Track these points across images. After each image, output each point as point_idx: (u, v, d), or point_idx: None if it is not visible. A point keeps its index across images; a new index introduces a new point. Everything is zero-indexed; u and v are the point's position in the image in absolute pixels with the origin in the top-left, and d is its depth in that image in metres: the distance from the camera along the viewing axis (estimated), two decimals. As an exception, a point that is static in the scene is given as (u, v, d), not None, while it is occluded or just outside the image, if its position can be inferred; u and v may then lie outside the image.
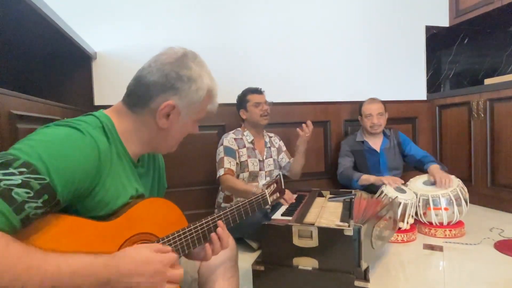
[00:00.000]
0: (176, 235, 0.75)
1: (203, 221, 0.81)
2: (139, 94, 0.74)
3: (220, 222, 0.83)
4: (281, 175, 1.21)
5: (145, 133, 0.77)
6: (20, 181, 0.53)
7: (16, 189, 0.52)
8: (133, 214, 0.70)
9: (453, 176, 1.96)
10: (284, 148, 2.16)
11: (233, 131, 1.99)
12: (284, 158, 2.11)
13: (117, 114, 0.75)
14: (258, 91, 1.99)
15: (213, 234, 0.81)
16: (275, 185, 1.11)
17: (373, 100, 2.29)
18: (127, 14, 2.10)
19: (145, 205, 0.73)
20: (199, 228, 0.79)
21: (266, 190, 1.04)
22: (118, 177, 0.71)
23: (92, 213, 0.66)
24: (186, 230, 0.76)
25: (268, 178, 1.95)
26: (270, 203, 1.05)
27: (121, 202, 0.71)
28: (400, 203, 1.77)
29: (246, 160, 1.91)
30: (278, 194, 1.12)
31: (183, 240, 0.76)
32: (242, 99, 1.99)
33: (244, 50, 2.34)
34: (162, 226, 0.74)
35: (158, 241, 0.72)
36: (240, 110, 2.00)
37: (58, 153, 0.58)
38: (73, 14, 1.96)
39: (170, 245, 0.73)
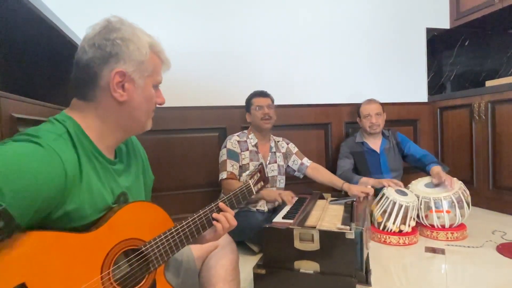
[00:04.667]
0: (163, 236, 0.75)
1: (189, 219, 0.81)
2: (84, 78, 0.70)
3: (221, 204, 0.90)
4: (263, 164, 1.22)
5: (111, 118, 0.73)
6: None
7: None
8: (116, 221, 0.68)
9: (455, 179, 1.95)
10: (294, 150, 2.08)
11: (238, 134, 1.96)
12: (296, 160, 2.05)
13: (78, 112, 0.71)
14: (262, 94, 1.97)
15: (219, 215, 0.88)
16: (258, 174, 1.11)
17: (370, 100, 2.31)
18: (129, 16, 2.10)
19: (127, 211, 0.71)
20: (185, 227, 0.80)
21: (249, 181, 1.05)
22: (91, 184, 0.67)
23: (72, 224, 0.63)
24: (173, 230, 0.77)
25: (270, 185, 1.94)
26: (254, 193, 1.06)
27: (100, 208, 0.68)
28: (401, 205, 1.76)
29: (248, 163, 1.89)
30: (262, 183, 1.12)
31: (171, 240, 0.76)
32: (247, 103, 1.99)
33: (244, 53, 2.34)
34: (147, 230, 0.73)
35: (145, 245, 0.72)
36: (246, 114, 2.00)
37: (15, 174, 0.53)
38: (75, 16, 1.97)
39: (158, 247, 0.73)
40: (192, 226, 0.81)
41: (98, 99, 0.71)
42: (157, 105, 0.81)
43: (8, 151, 0.56)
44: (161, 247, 0.74)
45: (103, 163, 0.72)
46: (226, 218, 0.89)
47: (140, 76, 0.73)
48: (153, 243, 0.73)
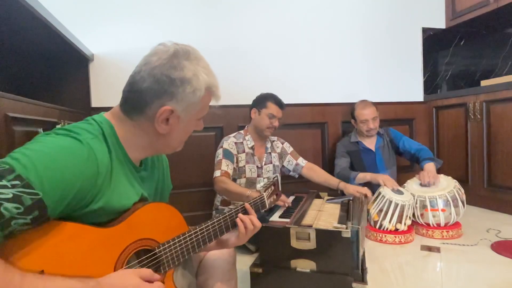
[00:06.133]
0: (176, 240, 0.75)
1: (203, 226, 0.82)
2: (134, 102, 0.71)
3: (246, 205, 0.92)
4: (278, 177, 1.22)
5: (146, 139, 0.74)
6: (11, 195, 0.50)
7: (6, 204, 0.50)
8: (135, 220, 0.69)
9: (450, 177, 1.97)
10: (289, 150, 2.07)
11: (234, 134, 1.95)
12: (291, 160, 2.03)
13: (117, 119, 0.73)
14: (280, 105, 1.91)
15: (243, 217, 0.88)
16: (272, 187, 1.10)
17: (365, 104, 2.29)
18: (125, 15, 2.10)
19: (146, 211, 0.72)
20: (199, 232, 0.80)
21: (264, 193, 1.04)
22: (120, 185, 0.69)
23: (94, 219, 0.64)
24: (187, 234, 0.77)
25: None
26: (267, 206, 1.05)
27: (124, 208, 0.70)
28: (397, 204, 1.77)
29: (244, 166, 1.88)
30: (275, 197, 1.12)
31: (183, 245, 0.76)
32: (261, 101, 1.92)
33: (241, 52, 2.34)
34: (163, 232, 0.74)
35: (158, 247, 0.72)
36: (253, 109, 1.93)
37: (56, 166, 0.56)
38: (70, 16, 1.96)
39: (170, 250, 0.74)
40: (205, 233, 0.81)
41: (140, 123, 0.72)
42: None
43: (52, 143, 0.59)
44: (173, 251, 0.74)
45: (130, 168, 0.74)
46: (251, 220, 0.89)
47: (186, 115, 0.74)
48: (166, 246, 0.73)
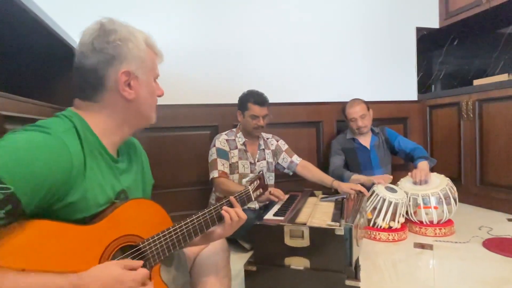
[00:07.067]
0: (161, 235, 0.75)
1: (188, 220, 0.82)
2: (91, 82, 0.72)
3: (231, 198, 0.95)
4: (263, 171, 1.23)
5: (118, 115, 0.75)
6: None
7: None
8: (118, 216, 0.69)
9: (442, 175, 1.99)
10: (284, 147, 2.06)
11: (226, 132, 1.95)
12: (286, 158, 2.03)
13: (84, 110, 0.73)
14: (260, 102, 1.84)
15: (228, 209, 0.90)
16: (258, 181, 1.12)
17: (353, 102, 2.31)
18: (118, 13, 2.08)
19: (129, 207, 0.72)
20: (184, 227, 0.80)
21: (249, 187, 1.05)
22: (94, 178, 0.68)
23: (73, 216, 0.64)
24: (171, 229, 0.77)
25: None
26: (253, 199, 1.06)
27: (101, 202, 0.69)
28: (391, 202, 1.79)
29: (237, 162, 1.88)
30: (261, 190, 1.13)
31: (168, 240, 0.76)
32: (242, 103, 1.89)
33: (237, 51, 2.34)
34: (147, 227, 0.74)
35: (143, 243, 0.72)
36: (238, 111, 1.93)
37: (26, 160, 0.56)
38: (64, 12, 1.94)
39: (155, 245, 0.74)
40: (190, 227, 0.82)
41: (106, 99, 0.73)
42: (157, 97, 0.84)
43: (20, 139, 0.58)
44: (158, 246, 0.74)
45: (107, 159, 0.74)
46: (236, 212, 0.91)
47: (143, 73, 0.76)
48: (151, 240, 0.73)
